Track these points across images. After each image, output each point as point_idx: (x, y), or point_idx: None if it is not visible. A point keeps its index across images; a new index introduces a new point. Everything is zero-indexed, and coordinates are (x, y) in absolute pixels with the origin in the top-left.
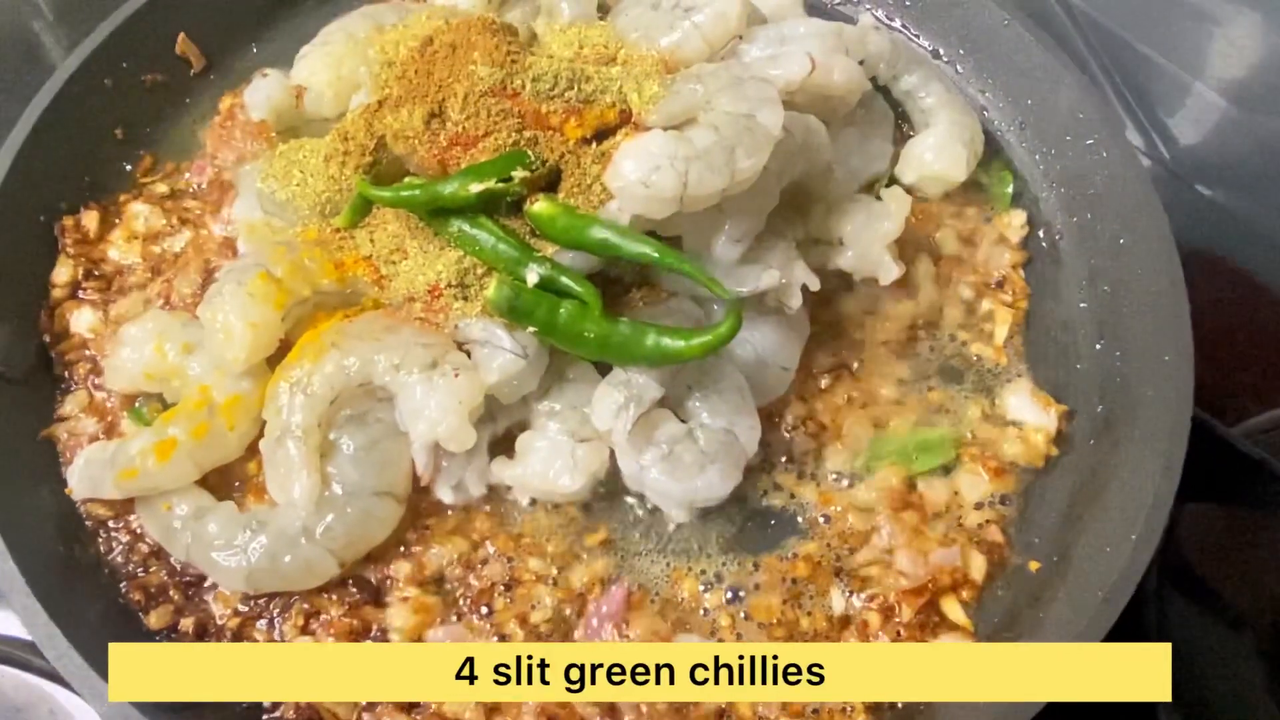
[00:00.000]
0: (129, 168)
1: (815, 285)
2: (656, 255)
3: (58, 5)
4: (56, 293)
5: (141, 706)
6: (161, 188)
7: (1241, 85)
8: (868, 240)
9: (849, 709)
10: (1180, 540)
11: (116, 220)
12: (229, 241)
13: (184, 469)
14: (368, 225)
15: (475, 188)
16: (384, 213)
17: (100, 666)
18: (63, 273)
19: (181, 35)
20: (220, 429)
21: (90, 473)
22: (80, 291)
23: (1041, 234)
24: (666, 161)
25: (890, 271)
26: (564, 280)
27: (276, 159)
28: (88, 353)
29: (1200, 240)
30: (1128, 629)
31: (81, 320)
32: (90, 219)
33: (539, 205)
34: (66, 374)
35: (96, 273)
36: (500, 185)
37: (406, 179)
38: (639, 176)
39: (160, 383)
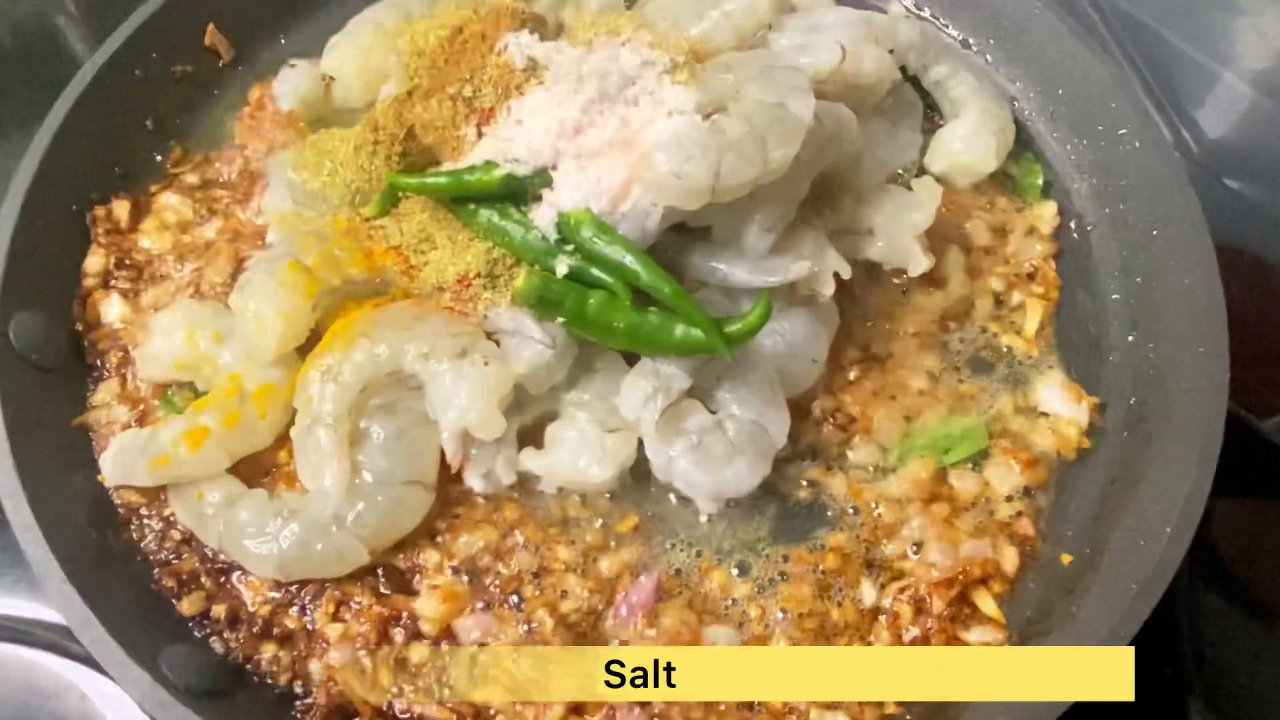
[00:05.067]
0: (159, 158)
1: (847, 273)
2: (668, 291)
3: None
4: (88, 282)
5: (174, 690)
6: (191, 178)
7: (1270, 76)
8: (897, 230)
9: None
10: (1212, 535)
11: (147, 210)
12: (259, 231)
13: (215, 457)
14: (396, 215)
15: (499, 171)
16: (413, 203)
17: (133, 651)
18: (94, 262)
19: (210, 26)
20: (251, 417)
21: (123, 460)
22: (111, 280)
23: (1073, 225)
24: (699, 152)
25: (920, 262)
26: (594, 271)
27: (306, 149)
28: (120, 341)
29: (1228, 234)
30: (1159, 624)
31: (112, 310)
32: (121, 209)
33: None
34: (99, 363)
35: (128, 262)
36: (524, 171)
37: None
38: (672, 167)
39: (191, 371)
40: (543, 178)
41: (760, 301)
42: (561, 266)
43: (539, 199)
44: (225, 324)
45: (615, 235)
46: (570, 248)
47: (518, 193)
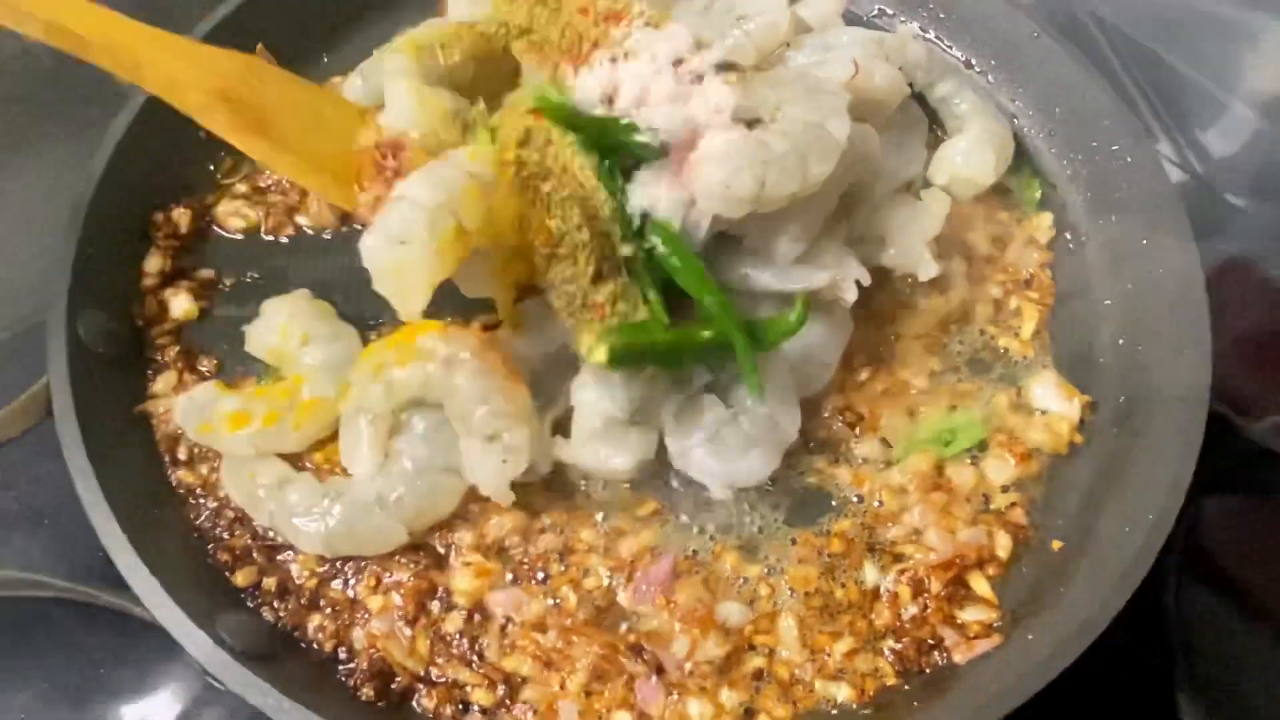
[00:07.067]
0: (212, 168)
1: (867, 280)
2: (716, 310)
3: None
4: (148, 281)
5: (231, 650)
6: (242, 187)
7: (1274, 98)
8: (909, 237)
9: (879, 671)
10: (1201, 532)
11: (204, 216)
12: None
13: (243, 446)
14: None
15: (638, 136)
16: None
17: (193, 615)
18: (154, 263)
19: (259, 46)
20: (287, 426)
21: (190, 409)
22: (171, 282)
23: (1068, 236)
24: (746, 164)
25: (930, 268)
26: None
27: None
28: (179, 336)
29: (1232, 250)
30: (1148, 619)
31: (178, 306)
32: (180, 216)
33: None
34: (158, 356)
35: (185, 266)
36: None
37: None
38: (721, 178)
39: (278, 359)
40: (654, 153)
41: (798, 305)
42: (626, 249)
43: (631, 177)
44: (318, 328)
45: (685, 251)
46: (644, 242)
47: (625, 154)
